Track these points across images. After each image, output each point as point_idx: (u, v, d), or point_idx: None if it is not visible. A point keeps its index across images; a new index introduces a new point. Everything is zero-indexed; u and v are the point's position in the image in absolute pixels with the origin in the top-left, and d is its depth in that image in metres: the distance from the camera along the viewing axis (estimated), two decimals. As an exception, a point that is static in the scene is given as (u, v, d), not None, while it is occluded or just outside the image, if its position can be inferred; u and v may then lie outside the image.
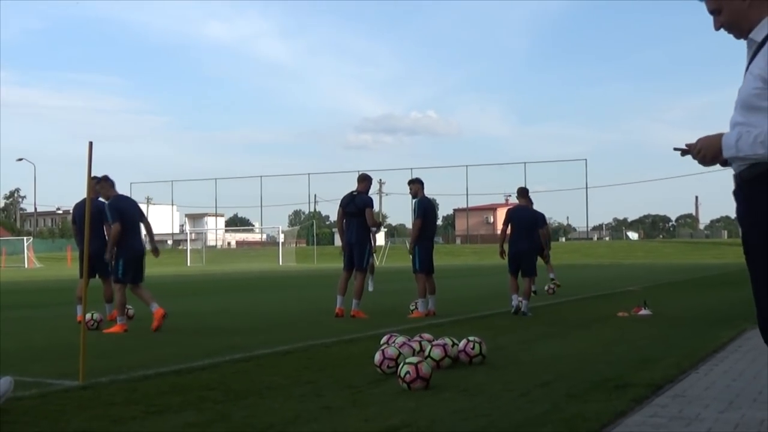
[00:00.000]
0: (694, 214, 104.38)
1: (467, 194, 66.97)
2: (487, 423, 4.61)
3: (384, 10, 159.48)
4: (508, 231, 12.70)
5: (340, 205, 12.56)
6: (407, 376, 5.77)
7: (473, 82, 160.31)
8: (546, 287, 17.68)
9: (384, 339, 7.02)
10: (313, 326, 11.18)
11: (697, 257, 50.51)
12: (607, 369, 6.66)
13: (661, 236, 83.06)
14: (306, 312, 13.90)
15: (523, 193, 13.85)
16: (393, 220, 71.32)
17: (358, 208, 12.11)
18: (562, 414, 4.85)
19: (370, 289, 15.70)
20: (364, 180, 12.40)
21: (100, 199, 11.32)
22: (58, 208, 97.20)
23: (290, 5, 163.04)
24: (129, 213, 10.85)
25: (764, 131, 2.99)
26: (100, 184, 10.68)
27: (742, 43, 3.32)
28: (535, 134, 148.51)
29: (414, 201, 12.85)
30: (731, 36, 3.35)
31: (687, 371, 6.50)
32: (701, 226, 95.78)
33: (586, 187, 72.32)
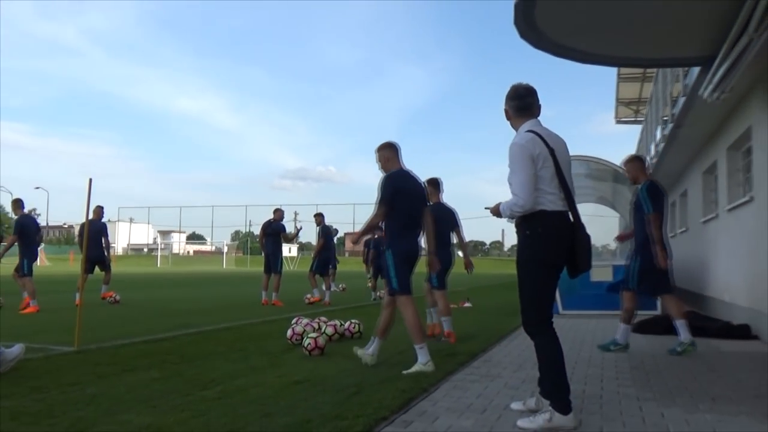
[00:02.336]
0: (501, 240, 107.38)
1: (353, 223, 67.83)
2: (362, 378, 4.72)
3: (303, 94, 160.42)
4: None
5: (262, 228, 13.15)
6: (309, 346, 5.96)
7: (360, 147, 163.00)
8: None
9: (294, 320, 7.07)
10: (244, 310, 11.12)
11: (502, 269, 51.70)
12: (442, 343, 6.75)
13: (479, 255, 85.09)
14: (240, 300, 13.78)
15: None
16: (303, 239, 72.01)
17: (274, 230, 12.78)
18: (412, 373, 4.97)
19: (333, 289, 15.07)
20: (278, 212, 13.07)
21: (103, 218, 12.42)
22: (64, 223, 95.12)
23: (237, 89, 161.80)
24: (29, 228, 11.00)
25: (507, 204, 3.56)
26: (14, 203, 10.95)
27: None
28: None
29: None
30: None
31: (493, 345, 6.75)
32: (505, 249, 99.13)
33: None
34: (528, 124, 3.71)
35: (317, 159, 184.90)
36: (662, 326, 7.88)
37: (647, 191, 6.20)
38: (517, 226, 3.73)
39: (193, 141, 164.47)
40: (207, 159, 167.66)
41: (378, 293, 14.35)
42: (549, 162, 3.56)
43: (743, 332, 7.40)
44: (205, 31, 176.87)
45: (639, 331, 7.91)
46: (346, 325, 7.16)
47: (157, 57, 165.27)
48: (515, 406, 3.63)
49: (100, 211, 12.47)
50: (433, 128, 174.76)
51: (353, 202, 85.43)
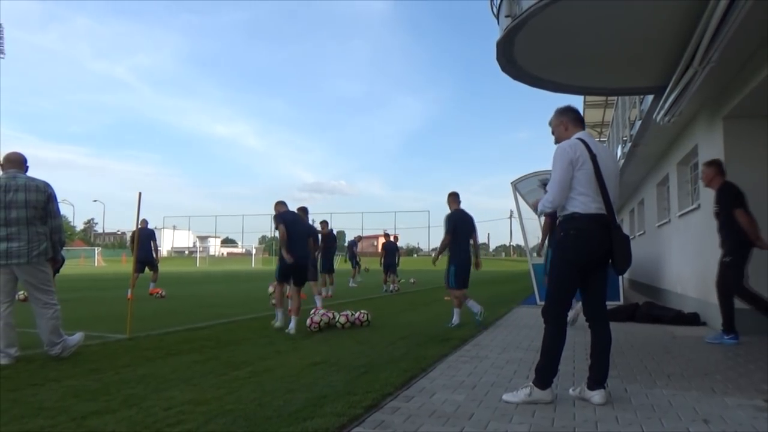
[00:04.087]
0: (487, 242, 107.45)
1: (362, 228, 67.97)
2: (370, 360, 4.72)
3: (317, 121, 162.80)
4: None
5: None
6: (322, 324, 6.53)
7: (366, 165, 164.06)
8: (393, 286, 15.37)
9: (312, 311, 7.07)
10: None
11: (488, 267, 51.42)
12: (439, 330, 6.74)
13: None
14: (266, 294, 13.67)
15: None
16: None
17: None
18: (413, 355, 5.00)
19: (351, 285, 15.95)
20: (323, 224, 12.05)
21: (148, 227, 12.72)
22: (118, 230, 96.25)
23: (262, 117, 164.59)
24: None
25: (541, 200, 3.56)
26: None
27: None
28: (400, 196, 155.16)
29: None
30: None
31: (482, 331, 6.70)
32: (491, 250, 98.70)
33: (429, 226, 73.97)
34: (579, 134, 3.59)
35: (330, 175, 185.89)
36: (625, 314, 7.85)
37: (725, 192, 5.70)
38: (556, 227, 3.65)
39: (227, 160, 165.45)
40: (238, 175, 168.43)
41: (391, 286, 15.25)
42: (588, 165, 3.38)
43: (693, 319, 7.37)
44: (235, 68, 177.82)
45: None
46: (356, 314, 7.12)
47: (195, 91, 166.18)
48: (507, 397, 3.47)
49: (145, 222, 12.88)
50: (427, 149, 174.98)
51: (362, 211, 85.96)
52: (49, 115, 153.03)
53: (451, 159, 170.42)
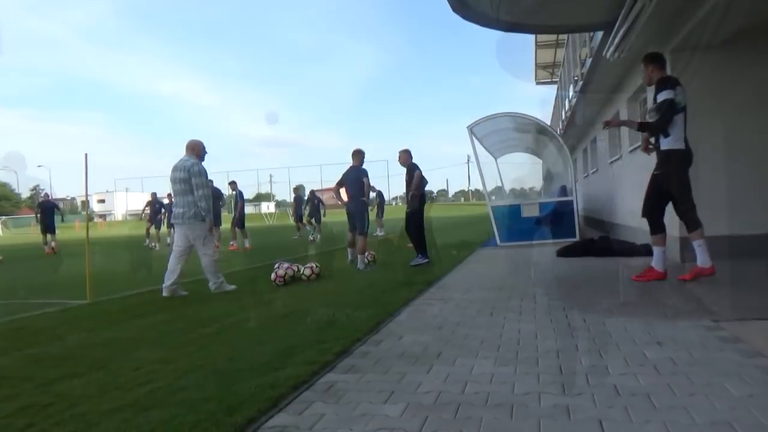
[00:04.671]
0: (446, 188, 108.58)
1: (321, 181, 67.42)
2: (337, 308, 4.69)
3: (269, 73, 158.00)
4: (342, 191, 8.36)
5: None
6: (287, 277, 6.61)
7: (322, 117, 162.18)
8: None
9: (276, 265, 7.02)
10: (232, 259, 10.97)
11: (448, 213, 52.27)
12: (404, 275, 6.83)
13: (428, 201, 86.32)
14: (226, 252, 13.58)
15: (354, 153, 8.34)
16: (279, 197, 72.80)
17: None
18: (379, 301, 5.07)
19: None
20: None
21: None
22: (67, 195, 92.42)
23: (211, 71, 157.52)
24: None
25: None
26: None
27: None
28: (358, 146, 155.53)
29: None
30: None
31: (446, 274, 6.82)
32: (450, 196, 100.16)
33: (388, 175, 74.24)
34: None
35: (286, 128, 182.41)
36: (581, 249, 8.12)
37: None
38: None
39: (178, 118, 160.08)
40: (191, 133, 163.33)
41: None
42: None
43: (646, 250, 7.68)
44: (179, 21, 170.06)
45: (563, 255, 8.13)
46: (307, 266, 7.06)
47: (137, 46, 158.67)
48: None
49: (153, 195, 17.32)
50: (383, 97, 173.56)
51: (320, 163, 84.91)
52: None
53: (408, 107, 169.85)
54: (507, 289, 5.52)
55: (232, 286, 6.39)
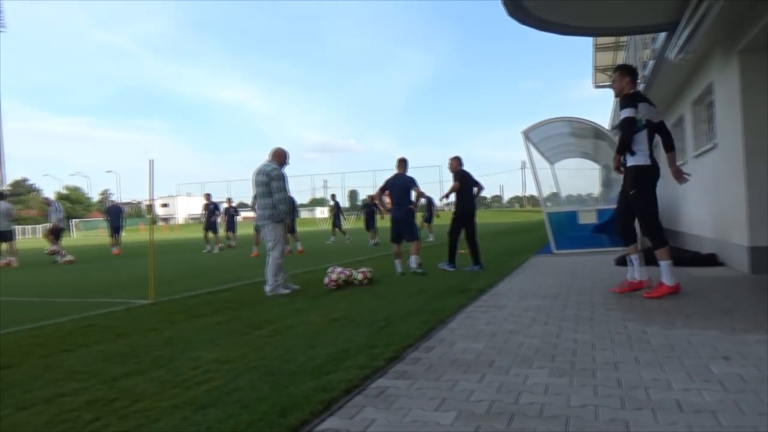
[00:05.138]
0: (500, 194, 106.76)
1: (374, 186, 67.58)
2: (389, 314, 4.76)
3: (322, 81, 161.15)
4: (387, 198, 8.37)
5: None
6: (340, 281, 6.63)
7: (374, 123, 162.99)
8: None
9: (329, 269, 7.10)
10: (287, 263, 11.16)
11: (502, 219, 51.58)
12: (456, 281, 6.76)
13: (482, 207, 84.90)
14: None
15: (399, 162, 8.37)
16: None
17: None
18: (431, 307, 5.04)
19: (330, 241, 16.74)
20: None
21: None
22: (133, 200, 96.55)
23: (267, 79, 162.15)
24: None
25: None
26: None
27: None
28: (410, 152, 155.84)
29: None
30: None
31: (499, 281, 6.71)
32: (504, 201, 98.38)
33: (441, 181, 73.73)
34: None
35: (338, 134, 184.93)
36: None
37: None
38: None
39: (234, 125, 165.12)
40: (246, 140, 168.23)
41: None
42: None
43: (711, 260, 7.33)
44: (236, 31, 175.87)
45: (622, 263, 7.86)
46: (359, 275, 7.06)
47: (197, 56, 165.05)
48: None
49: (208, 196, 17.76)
50: (435, 103, 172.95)
51: (373, 169, 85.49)
52: (53, 88, 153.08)
53: (461, 112, 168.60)
54: (562, 297, 5.38)
55: (295, 287, 6.65)
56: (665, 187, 12.36)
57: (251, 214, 17.24)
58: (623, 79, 5.02)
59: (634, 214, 5.19)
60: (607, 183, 17.28)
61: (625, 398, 2.47)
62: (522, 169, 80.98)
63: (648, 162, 4.94)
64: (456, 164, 8.49)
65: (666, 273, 4.98)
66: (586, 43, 17.50)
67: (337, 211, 20.38)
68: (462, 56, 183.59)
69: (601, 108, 52.21)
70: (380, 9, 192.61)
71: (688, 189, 9.54)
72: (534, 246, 12.64)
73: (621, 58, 18.06)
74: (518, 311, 4.73)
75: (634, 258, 5.33)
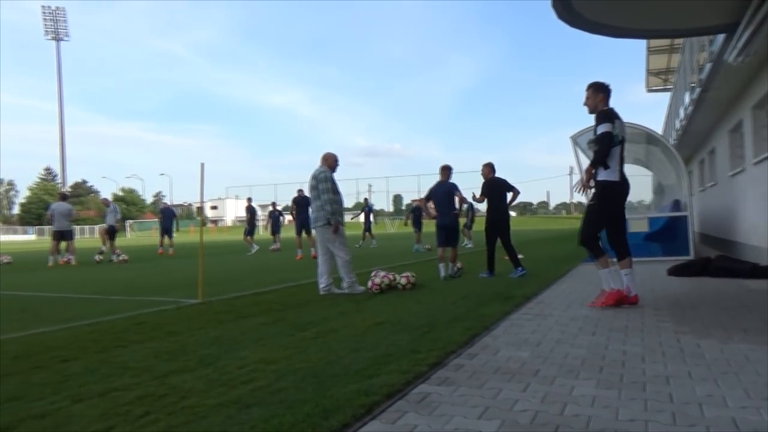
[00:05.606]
0: (546, 200, 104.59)
1: (419, 191, 67.38)
2: (432, 320, 4.74)
3: (369, 85, 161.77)
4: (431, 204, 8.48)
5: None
6: (384, 285, 6.69)
7: (420, 127, 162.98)
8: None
9: (372, 273, 7.12)
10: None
11: (548, 225, 50.59)
12: (500, 288, 6.69)
13: (528, 214, 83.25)
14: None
15: (442, 169, 8.53)
16: (376, 206, 73.86)
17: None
18: (475, 313, 5.00)
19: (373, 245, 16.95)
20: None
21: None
22: (185, 202, 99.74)
23: (315, 84, 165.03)
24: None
25: None
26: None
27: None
28: (457, 156, 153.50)
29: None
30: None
31: (544, 289, 6.61)
32: (551, 208, 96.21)
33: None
34: None
35: (384, 138, 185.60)
36: (696, 268, 7.54)
37: None
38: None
39: (283, 129, 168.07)
40: (294, 144, 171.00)
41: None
42: None
43: (771, 272, 6.98)
44: (286, 37, 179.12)
45: (674, 273, 7.60)
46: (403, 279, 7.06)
47: (249, 62, 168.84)
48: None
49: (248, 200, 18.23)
50: (482, 108, 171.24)
51: (418, 173, 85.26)
52: (113, 94, 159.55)
53: (507, 116, 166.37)
54: (611, 307, 5.23)
55: (362, 288, 6.75)
56: (720, 196, 11.88)
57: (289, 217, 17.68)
58: (597, 96, 5.09)
59: (623, 229, 5.39)
60: (659, 190, 16.73)
61: (677, 414, 2.38)
62: (570, 174, 79.24)
63: (618, 178, 5.04)
64: (488, 171, 8.53)
65: (630, 282, 5.13)
66: (639, 45, 17.00)
67: (368, 215, 20.42)
68: (510, 59, 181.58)
69: (654, 113, 50.74)
70: (428, 13, 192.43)
71: (746, 197, 9.13)
72: (581, 254, 12.30)
73: (676, 60, 17.49)
74: (564, 320, 4.63)
75: (623, 272, 5.28)
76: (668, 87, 21.62)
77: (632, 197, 17.23)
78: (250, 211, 18.24)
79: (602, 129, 4.92)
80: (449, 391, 2.79)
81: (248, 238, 17.95)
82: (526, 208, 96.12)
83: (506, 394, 2.71)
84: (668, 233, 10.23)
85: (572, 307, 5.31)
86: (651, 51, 18.50)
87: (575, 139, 10.87)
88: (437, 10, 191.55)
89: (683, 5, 5.99)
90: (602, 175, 5.07)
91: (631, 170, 15.84)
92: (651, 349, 3.53)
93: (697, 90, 9.80)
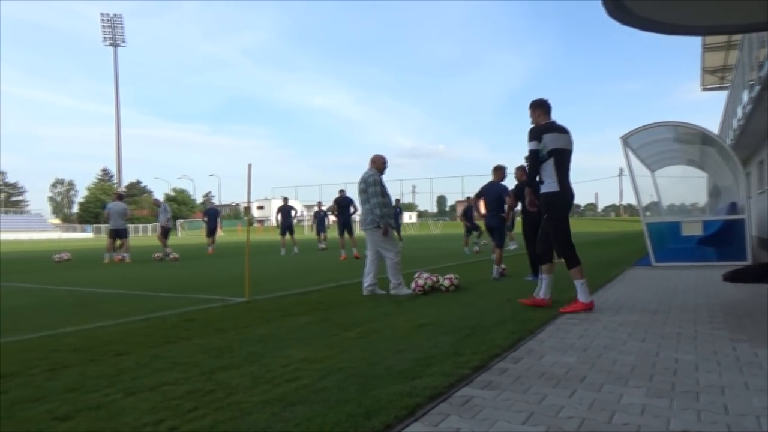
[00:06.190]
0: (594, 202, 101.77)
1: (462, 192, 66.67)
2: (476, 322, 4.69)
3: (413, 86, 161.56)
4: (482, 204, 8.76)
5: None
6: (427, 287, 6.66)
7: (465, 128, 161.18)
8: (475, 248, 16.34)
9: (416, 274, 7.11)
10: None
11: (596, 228, 49.18)
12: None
13: (575, 216, 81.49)
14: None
15: (495, 169, 8.78)
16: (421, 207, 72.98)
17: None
18: (519, 317, 4.92)
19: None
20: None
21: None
22: (232, 202, 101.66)
23: (360, 85, 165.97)
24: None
25: None
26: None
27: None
28: (501, 158, 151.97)
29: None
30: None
31: (592, 293, 6.34)
32: (599, 210, 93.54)
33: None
34: None
35: (428, 139, 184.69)
36: (754, 274, 7.20)
37: None
38: None
39: (328, 131, 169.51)
40: (338, 145, 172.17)
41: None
42: None
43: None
44: (331, 38, 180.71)
45: (730, 279, 7.28)
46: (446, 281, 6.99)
47: (295, 64, 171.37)
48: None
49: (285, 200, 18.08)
50: (528, 108, 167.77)
51: (462, 174, 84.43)
52: (166, 97, 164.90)
53: (555, 116, 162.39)
54: (662, 313, 5.06)
55: (409, 291, 6.70)
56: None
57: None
58: (535, 113, 5.35)
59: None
60: (714, 192, 16.08)
61: (733, 425, 2.28)
62: (619, 176, 77.06)
63: (557, 188, 5.22)
64: (522, 174, 8.42)
65: (581, 291, 5.20)
66: (694, 42, 16.40)
67: (397, 216, 20.28)
68: (558, 58, 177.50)
69: (709, 112, 48.77)
70: (473, 12, 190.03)
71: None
72: (631, 257, 11.98)
73: (733, 57, 16.78)
74: (613, 326, 4.50)
75: (545, 277, 5.53)
76: (725, 85, 20.77)
77: (685, 200, 16.71)
78: (282, 210, 17.81)
79: (529, 147, 5.22)
80: (493, 395, 2.75)
81: (287, 237, 17.76)
82: (573, 210, 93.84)
83: (552, 400, 2.66)
84: (724, 237, 9.82)
85: (621, 312, 5.16)
86: (707, 48, 17.83)
87: (626, 140, 10.56)
88: (482, 9, 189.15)
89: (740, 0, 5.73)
90: (543, 188, 5.35)
91: (684, 172, 15.38)
92: (705, 358, 3.39)
93: (757, 88, 9.36)
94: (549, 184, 5.24)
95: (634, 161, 11.35)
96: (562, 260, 8.38)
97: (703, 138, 11.05)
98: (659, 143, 11.90)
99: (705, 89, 22.84)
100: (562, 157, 5.22)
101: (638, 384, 2.89)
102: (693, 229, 10.08)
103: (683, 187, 14.79)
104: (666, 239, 10.32)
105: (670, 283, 7.50)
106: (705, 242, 10.01)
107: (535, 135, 5.17)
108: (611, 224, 60.18)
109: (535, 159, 5.16)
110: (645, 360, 3.37)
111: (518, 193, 8.29)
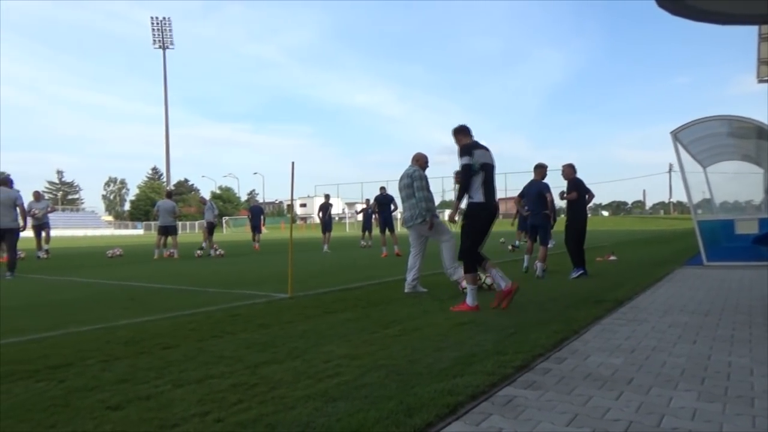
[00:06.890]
0: (642, 200, 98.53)
1: (505, 189, 65.66)
2: (518, 321, 4.65)
3: (454, 83, 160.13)
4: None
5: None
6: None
7: (507, 124, 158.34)
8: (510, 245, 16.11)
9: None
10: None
11: (644, 226, 47.69)
12: (591, 291, 6.44)
13: (622, 213, 78.88)
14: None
15: (536, 167, 8.79)
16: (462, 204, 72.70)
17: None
18: (563, 316, 4.85)
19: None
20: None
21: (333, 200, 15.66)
22: (276, 199, 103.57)
23: (401, 83, 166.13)
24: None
25: None
26: None
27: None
28: (544, 154, 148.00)
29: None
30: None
31: (639, 293, 6.27)
32: (647, 208, 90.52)
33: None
34: None
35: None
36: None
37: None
38: None
39: (369, 129, 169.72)
40: (380, 143, 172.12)
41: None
42: None
43: None
44: (374, 37, 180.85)
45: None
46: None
47: (337, 63, 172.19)
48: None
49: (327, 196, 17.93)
50: (572, 103, 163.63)
51: (504, 171, 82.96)
52: (213, 98, 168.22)
53: (600, 111, 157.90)
54: (715, 314, 4.87)
55: (424, 289, 6.73)
56: None
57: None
58: (458, 137, 5.74)
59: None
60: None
61: (792, 433, 2.18)
62: (669, 172, 74.38)
63: (482, 200, 5.46)
64: (570, 171, 8.55)
65: (470, 295, 5.39)
66: (750, 32, 15.69)
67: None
68: (603, 52, 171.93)
69: (765, 105, 46.39)
70: (515, 8, 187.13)
71: None
72: (681, 256, 11.59)
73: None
74: (662, 327, 4.37)
75: (494, 272, 5.68)
76: (783, 77, 19.80)
77: (740, 197, 16.04)
78: (322, 208, 17.88)
79: (462, 162, 5.48)
80: (536, 396, 2.71)
81: (328, 234, 17.85)
82: (620, 207, 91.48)
83: (597, 402, 2.59)
84: (782, 236, 9.37)
85: (671, 313, 5.00)
86: (763, 38, 17.04)
87: (676, 135, 10.21)
88: (524, 4, 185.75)
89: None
90: (470, 200, 5.62)
91: (740, 167, 14.77)
92: (760, 362, 3.25)
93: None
94: (476, 196, 5.52)
95: (685, 157, 10.96)
96: (614, 257, 8.35)
97: (759, 132, 10.57)
98: (712, 138, 11.45)
99: (761, 81, 21.82)
100: (488, 173, 5.56)
101: (689, 387, 2.80)
102: (748, 227, 9.68)
103: (737, 184, 14.19)
104: (719, 238, 9.94)
105: (723, 283, 7.22)
106: (761, 241, 9.58)
107: (466, 151, 5.49)
108: (660, 222, 58.39)
109: (468, 173, 5.44)
110: (696, 363, 3.26)
111: (577, 190, 8.44)
